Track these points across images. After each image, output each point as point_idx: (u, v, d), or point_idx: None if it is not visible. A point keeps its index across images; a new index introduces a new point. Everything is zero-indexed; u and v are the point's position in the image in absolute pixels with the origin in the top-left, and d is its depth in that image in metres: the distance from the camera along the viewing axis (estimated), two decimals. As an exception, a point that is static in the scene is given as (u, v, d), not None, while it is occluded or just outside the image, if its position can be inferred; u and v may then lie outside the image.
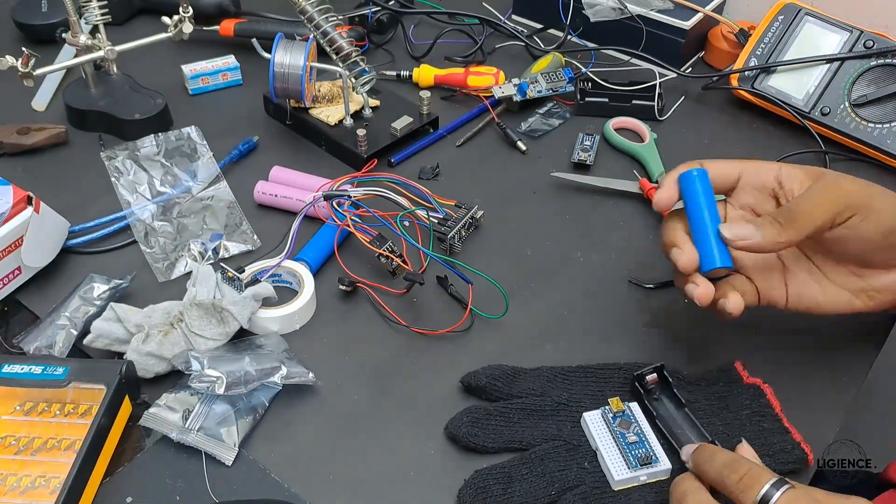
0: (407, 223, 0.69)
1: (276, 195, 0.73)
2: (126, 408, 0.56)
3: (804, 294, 0.56)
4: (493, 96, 0.85)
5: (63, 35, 0.80)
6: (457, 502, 0.52)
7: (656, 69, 0.88)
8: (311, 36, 0.77)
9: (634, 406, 0.55)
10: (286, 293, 0.65)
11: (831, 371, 0.60)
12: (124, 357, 0.57)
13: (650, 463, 0.52)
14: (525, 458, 0.53)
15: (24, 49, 0.74)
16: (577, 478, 0.53)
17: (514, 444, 0.55)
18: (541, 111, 0.86)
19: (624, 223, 0.74)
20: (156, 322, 0.59)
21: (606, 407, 0.55)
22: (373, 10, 0.93)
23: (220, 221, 0.71)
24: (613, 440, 0.53)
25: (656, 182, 0.76)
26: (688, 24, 0.88)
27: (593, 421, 0.54)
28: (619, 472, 0.52)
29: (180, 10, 0.80)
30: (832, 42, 0.82)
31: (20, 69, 0.73)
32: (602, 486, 0.52)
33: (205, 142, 0.78)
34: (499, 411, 0.55)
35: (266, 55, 0.77)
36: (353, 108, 0.80)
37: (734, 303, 0.53)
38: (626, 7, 0.89)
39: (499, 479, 0.52)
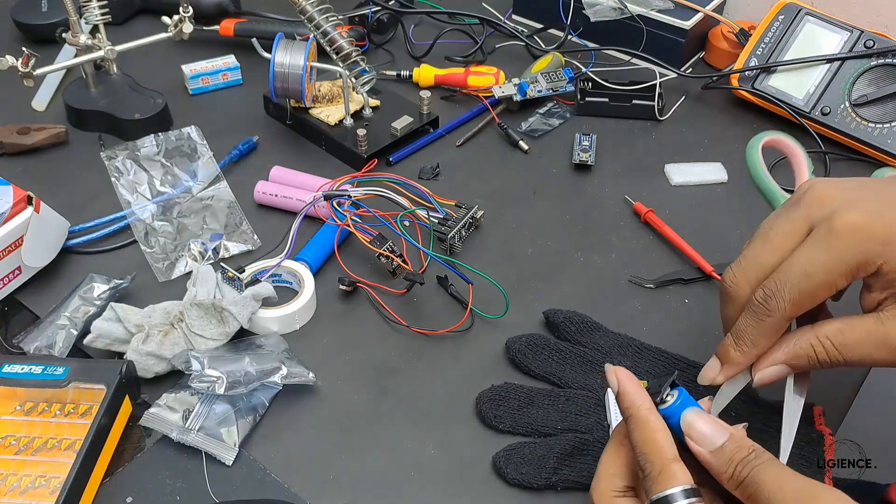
0: (407, 223, 0.69)
1: (276, 195, 0.73)
2: (126, 408, 0.56)
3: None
4: (493, 96, 0.85)
5: (63, 35, 0.80)
6: (475, 401, 0.57)
7: (656, 69, 0.88)
8: (311, 36, 0.77)
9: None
10: (286, 293, 0.65)
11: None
12: (124, 357, 0.57)
13: None
14: (553, 392, 0.57)
15: (24, 49, 0.74)
16: (588, 427, 0.55)
17: (553, 377, 0.58)
18: (541, 111, 0.86)
19: (624, 223, 0.74)
20: (156, 322, 0.59)
21: None
22: (373, 9, 0.93)
23: (220, 221, 0.71)
24: None
25: None
26: (688, 24, 0.88)
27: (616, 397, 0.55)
28: None
29: (180, 10, 0.80)
30: (832, 42, 0.82)
31: (20, 69, 0.73)
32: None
33: (205, 142, 0.78)
34: (558, 347, 0.59)
35: (266, 55, 0.77)
36: (354, 107, 0.80)
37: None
38: (626, 7, 0.89)
39: (520, 396, 0.56)
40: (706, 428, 0.42)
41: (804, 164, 0.56)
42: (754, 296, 0.45)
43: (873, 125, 0.79)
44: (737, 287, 0.47)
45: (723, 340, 0.48)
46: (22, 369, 0.55)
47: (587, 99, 0.86)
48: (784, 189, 0.56)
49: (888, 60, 0.80)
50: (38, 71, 0.75)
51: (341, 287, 0.65)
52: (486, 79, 0.87)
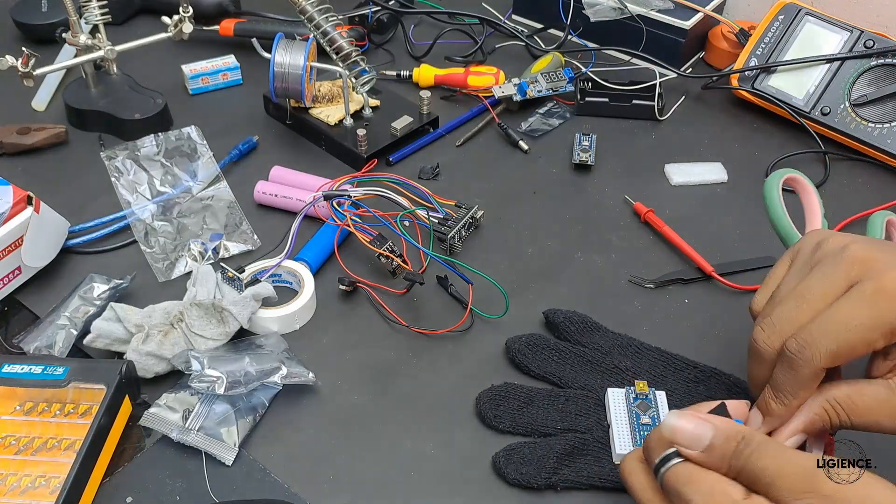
0: (407, 223, 0.69)
1: (276, 195, 0.73)
2: (126, 408, 0.56)
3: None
4: (493, 96, 0.85)
5: (63, 35, 0.80)
6: (475, 401, 0.57)
7: (656, 69, 0.88)
8: (311, 36, 0.77)
9: (661, 395, 0.55)
10: (286, 293, 0.65)
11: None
12: (124, 357, 0.57)
13: None
14: (552, 392, 0.57)
15: (24, 49, 0.74)
16: (587, 427, 0.55)
17: (553, 377, 0.58)
18: (541, 111, 0.86)
19: (624, 223, 0.74)
20: (156, 322, 0.59)
21: (631, 388, 0.56)
22: (373, 9, 0.93)
23: (220, 221, 0.71)
24: (627, 418, 0.54)
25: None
26: (688, 24, 0.88)
27: (615, 397, 0.55)
28: (622, 446, 0.52)
29: (180, 9, 0.80)
30: (832, 42, 0.82)
31: (20, 69, 0.73)
32: (606, 444, 0.54)
33: (205, 142, 0.78)
34: (558, 347, 0.59)
35: (266, 55, 0.77)
36: (353, 107, 0.80)
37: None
38: (626, 7, 0.89)
39: (520, 396, 0.56)
40: (689, 426, 0.40)
41: (817, 208, 0.55)
42: (786, 346, 0.44)
43: (873, 125, 0.79)
44: (770, 349, 0.45)
45: (762, 395, 0.47)
46: (22, 369, 0.55)
47: (587, 99, 0.86)
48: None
49: (888, 60, 0.80)
50: (38, 71, 0.75)
51: (341, 287, 0.65)
52: (486, 79, 0.87)
